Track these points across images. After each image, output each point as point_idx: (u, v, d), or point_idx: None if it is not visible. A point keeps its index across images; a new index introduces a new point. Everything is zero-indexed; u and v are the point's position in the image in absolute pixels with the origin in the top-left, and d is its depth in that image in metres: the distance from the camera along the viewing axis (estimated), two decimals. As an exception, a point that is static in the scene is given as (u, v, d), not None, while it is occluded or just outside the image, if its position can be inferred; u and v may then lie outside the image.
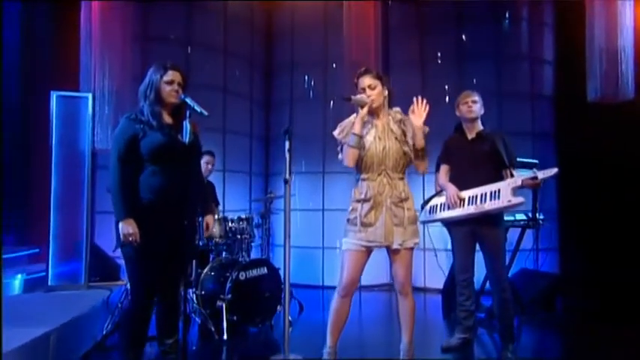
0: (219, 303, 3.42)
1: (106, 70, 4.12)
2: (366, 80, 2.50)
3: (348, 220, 2.46)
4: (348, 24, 5.16)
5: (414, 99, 2.47)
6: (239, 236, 3.80)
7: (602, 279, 4.81)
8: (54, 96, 3.79)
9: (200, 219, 2.84)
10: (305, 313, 4.33)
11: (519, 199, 2.84)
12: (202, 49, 5.32)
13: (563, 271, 5.34)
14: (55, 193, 3.81)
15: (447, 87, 5.52)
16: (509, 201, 2.82)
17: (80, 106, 3.89)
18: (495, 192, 2.89)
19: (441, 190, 3.18)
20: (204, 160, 3.93)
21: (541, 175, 2.83)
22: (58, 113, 3.82)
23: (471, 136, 3.13)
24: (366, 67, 2.57)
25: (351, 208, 2.47)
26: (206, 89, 5.23)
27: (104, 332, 3.24)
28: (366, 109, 2.45)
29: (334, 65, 5.66)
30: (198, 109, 2.37)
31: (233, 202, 5.41)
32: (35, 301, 3.41)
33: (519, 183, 2.86)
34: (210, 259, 3.92)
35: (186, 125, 2.38)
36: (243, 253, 3.81)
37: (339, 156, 2.52)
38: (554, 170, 2.86)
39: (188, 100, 2.39)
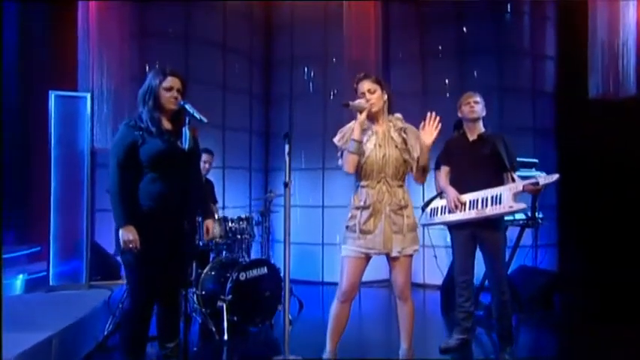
0: (219, 303, 3.44)
1: (104, 69, 4.10)
2: (366, 85, 2.48)
3: (347, 226, 2.47)
4: (349, 19, 5.12)
5: (428, 114, 2.46)
6: (239, 236, 3.81)
7: (601, 278, 4.81)
8: (52, 96, 3.77)
9: (200, 219, 2.86)
10: (305, 310, 4.36)
11: (521, 205, 2.85)
12: (201, 45, 5.27)
13: (561, 269, 5.35)
14: (54, 192, 3.82)
15: (447, 83, 5.49)
16: (511, 207, 2.83)
17: (79, 106, 3.88)
18: (497, 197, 2.89)
19: (442, 192, 3.18)
20: (202, 159, 3.93)
21: (542, 181, 2.84)
22: (57, 113, 3.80)
23: (472, 137, 3.12)
24: (365, 72, 2.55)
25: (350, 215, 2.47)
26: (205, 85, 5.21)
27: (105, 333, 3.27)
28: (364, 115, 2.44)
29: (334, 60, 5.62)
30: (197, 115, 2.36)
31: (233, 199, 5.42)
32: (37, 302, 3.42)
33: (520, 188, 2.87)
34: (211, 258, 3.94)
35: (186, 132, 2.38)
36: (243, 253, 3.82)
37: (339, 162, 2.51)
38: (556, 176, 2.86)
39: (187, 107, 2.38)
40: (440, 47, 5.63)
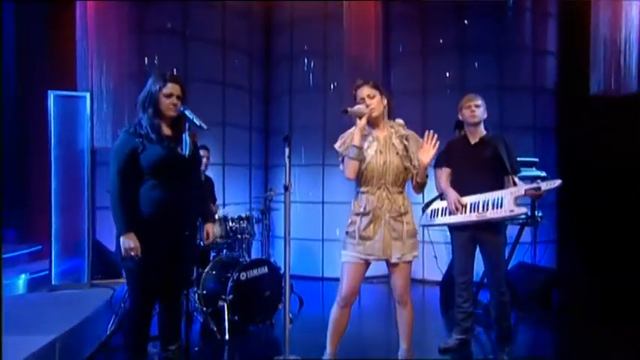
0: (220, 303, 3.47)
1: (103, 67, 4.08)
2: (365, 90, 2.48)
3: (347, 232, 2.48)
4: (349, 15, 5.08)
5: (426, 133, 2.45)
6: (239, 236, 3.83)
7: (600, 276, 4.82)
8: (52, 96, 3.76)
9: (200, 221, 2.87)
10: (305, 306, 4.39)
11: (522, 210, 2.86)
12: (200, 42, 5.23)
13: (560, 267, 5.37)
14: (55, 191, 3.83)
15: (447, 79, 5.46)
16: (512, 211, 2.84)
17: (78, 106, 3.87)
18: (498, 200, 2.90)
19: (442, 194, 3.19)
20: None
21: (544, 186, 2.84)
22: (56, 113, 3.79)
23: (473, 140, 3.12)
24: (363, 78, 2.55)
25: (350, 220, 2.48)
26: (205, 82, 5.20)
27: (108, 332, 3.31)
28: (364, 120, 2.43)
29: (334, 57, 5.58)
30: (197, 122, 2.35)
31: (233, 196, 5.43)
32: (40, 303, 3.45)
33: (522, 193, 2.88)
34: (211, 257, 3.96)
35: (186, 138, 2.38)
36: (244, 252, 3.84)
37: (340, 167, 2.52)
38: (558, 182, 2.86)
39: (187, 113, 2.38)
40: (440, 44, 5.59)
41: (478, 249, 3.14)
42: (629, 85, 4.45)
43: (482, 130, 3.12)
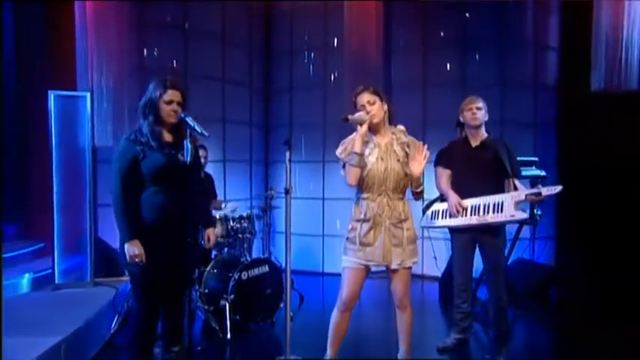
0: (222, 302, 3.51)
1: (103, 66, 4.06)
2: (365, 97, 2.49)
3: (347, 238, 2.51)
4: (349, 10, 5.04)
5: (418, 145, 2.48)
6: (240, 235, 3.86)
7: (599, 275, 4.83)
8: (52, 96, 3.75)
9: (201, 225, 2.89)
10: (306, 302, 4.43)
11: (522, 215, 2.88)
12: (200, 38, 5.19)
13: (559, 264, 5.39)
14: (57, 191, 3.82)
15: (448, 74, 5.44)
16: (512, 215, 2.86)
17: (79, 105, 3.85)
18: (499, 205, 2.92)
19: (443, 195, 3.20)
20: None
21: (545, 191, 2.86)
22: (57, 113, 3.77)
23: (475, 143, 3.12)
24: (363, 85, 2.55)
25: (350, 226, 2.51)
26: (204, 78, 5.18)
27: (112, 331, 3.35)
28: (365, 127, 2.44)
29: (335, 52, 5.55)
30: (198, 129, 2.35)
31: (234, 192, 5.45)
32: (44, 303, 3.48)
33: (523, 197, 2.90)
34: (212, 255, 3.99)
35: (187, 145, 2.39)
36: (245, 251, 3.87)
37: (342, 172, 2.53)
38: (559, 188, 2.88)
39: (188, 120, 2.38)
40: (441, 38, 5.55)
41: (478, 249, 3.17)
42: (630, 81, 4.42)
43: (483, 133, 3.13)
